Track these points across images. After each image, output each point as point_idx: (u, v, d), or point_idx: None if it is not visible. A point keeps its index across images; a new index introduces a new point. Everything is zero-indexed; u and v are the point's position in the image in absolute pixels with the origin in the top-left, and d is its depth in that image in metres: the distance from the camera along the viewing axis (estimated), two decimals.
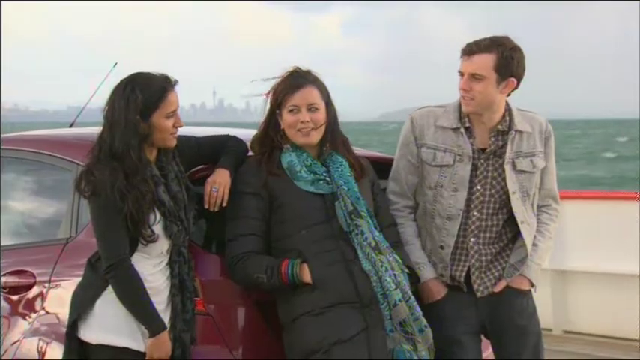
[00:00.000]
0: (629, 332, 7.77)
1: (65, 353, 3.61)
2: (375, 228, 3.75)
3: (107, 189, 3.46)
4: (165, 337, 3.53)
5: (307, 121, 3.74)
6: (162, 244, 3.59)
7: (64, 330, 3.65)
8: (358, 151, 4.10)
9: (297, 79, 3.79)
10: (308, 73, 3.82)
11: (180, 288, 3.62)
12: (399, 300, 3.63)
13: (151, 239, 3.53)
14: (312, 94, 3.77)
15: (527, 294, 4.06)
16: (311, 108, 3.75)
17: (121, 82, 3.59)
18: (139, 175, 3.50)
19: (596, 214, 8.33)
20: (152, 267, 3.59)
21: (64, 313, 3.67)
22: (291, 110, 3.75)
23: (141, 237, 3.52)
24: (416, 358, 3.63)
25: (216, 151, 3.84)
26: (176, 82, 3.62)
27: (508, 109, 4.01)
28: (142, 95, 3.54)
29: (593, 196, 9.09)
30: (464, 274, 3.98)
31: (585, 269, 8.23)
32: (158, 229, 3.56)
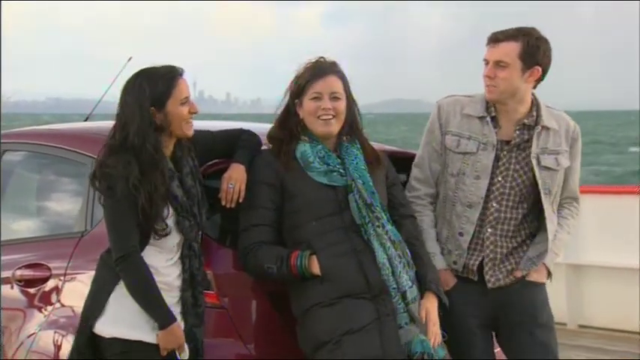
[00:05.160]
0: None
1: (73, 347, 3.62)
2: (388, 221, 3.76)
3: (122, 182, 3.47)
4: (175, 329, 3.53)
5: (329, 109, 3.75)
6: (174, 238, 3.60)
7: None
8: (375, 146, 4.10)
9: (321, 68, 3.80)
10: (333, 63, 3.83)
11: (190, 282, 3.62)
12: (415, 298, 3.67)
13: (164, 233, 3.54)
14: (336, 84, 3.79)
15: (540, 287, 4.05)
16: (333, 97, 3.77)
17: (129, 79, 3.62)
18: (154, 169, 3.52)
19: (611, 208, 8.30)
20: (165, 261, 3.60)
21: (80, 306, 3.68)
22: (313, 98, 3.76)
23: (153, 231, 3.53)
24: (432, 350, 3.64)
25: (230, 144, 3.84)
26: (182, 70, 3.64)
27: (536, 104, 4.00)
28: (154, 86, 3.56)
29: (609, 191, 9.07)
30: (477, 263, 3.98)
31: (600, 264, 8.21)
32: (170, 223, 3.57)
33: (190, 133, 3.65)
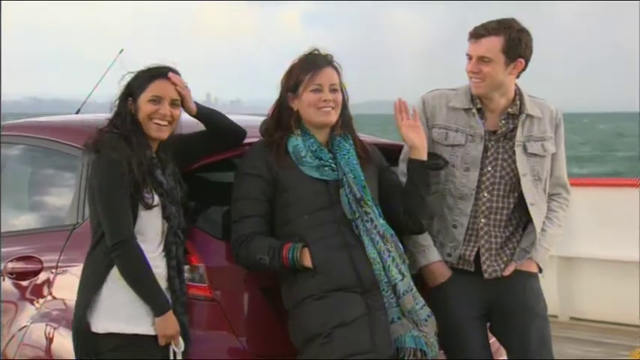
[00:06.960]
0: (636, 319, 7.78)
1: (75, 348, 3.62)
2: (380, 216, 3.76)
3: (112, 152, 3.54)
4: (172, 315, 3.55)
5: (330, 100, 3.76)
6: (156, 226, 3.61)
7: (71, 316, 3.66)
8: (366, 138, 4.10)
9: (318, 60, 3.81)
10: (329, 56, 3.84)
11: (177, 270, 3.63)
12: (406, 291, 3.67)
13: (151, 204, 3.56)
14: (333, 76, 3.80)
15: (534, 277, 4.07)
16: (332, 89, 3.78)
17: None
18: (140, 144, 3.60)
19: (603, 201, 8.33)
20: (151, 252, 3.60)
21: (71, 298, 3.69)
22: (314, 89, 3.76)
23: (142, 202, 3.55)
24: (424, 344, 3.64)
25: (204, 140, 3.84)
26: (168, 70, 3.70)
27: (519, 94, 4.03)
28: (134, 80, 3.69)
29: (601, 183, 9.09)
30: (474, 254, 3.99)
31: (592, 256, 8.23)
32: (156, 211, 3.59)
33: (156, 135, 3.67)
